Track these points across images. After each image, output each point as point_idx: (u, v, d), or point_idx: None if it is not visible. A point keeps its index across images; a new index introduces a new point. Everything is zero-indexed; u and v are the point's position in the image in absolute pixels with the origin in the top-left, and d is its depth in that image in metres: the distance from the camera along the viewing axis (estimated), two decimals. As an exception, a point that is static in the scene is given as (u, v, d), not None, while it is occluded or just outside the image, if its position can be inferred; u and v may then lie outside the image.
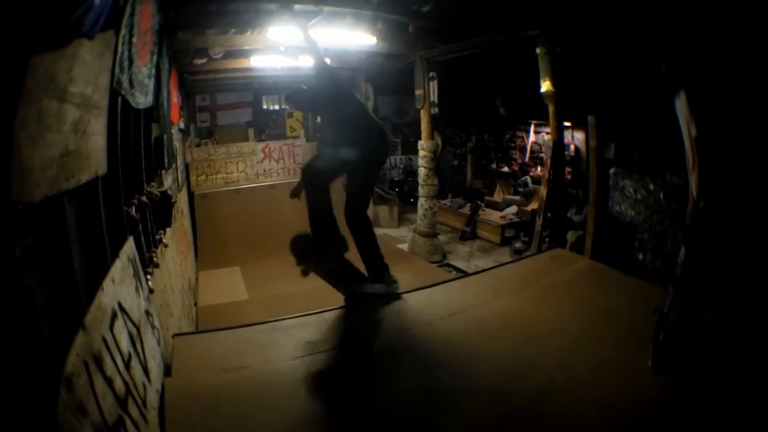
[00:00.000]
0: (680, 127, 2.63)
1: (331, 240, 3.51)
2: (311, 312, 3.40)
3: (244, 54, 7.50)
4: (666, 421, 2.20)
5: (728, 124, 2.39)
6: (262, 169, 9.45)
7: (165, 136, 4.33)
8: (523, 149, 10.65)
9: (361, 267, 3.56)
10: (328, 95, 3.41)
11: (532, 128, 10.37)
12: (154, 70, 3.43)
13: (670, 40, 2.69)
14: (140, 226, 2.92)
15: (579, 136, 8.50)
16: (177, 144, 6.44)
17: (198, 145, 10.02)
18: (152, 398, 2.12)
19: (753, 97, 2.31)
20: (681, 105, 2.53)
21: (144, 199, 3.14)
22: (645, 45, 3.42)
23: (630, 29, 4.00)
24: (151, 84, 3.30)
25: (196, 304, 5.57)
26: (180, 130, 7.23)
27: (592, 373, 2.54)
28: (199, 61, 6.89)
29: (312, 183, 3.42)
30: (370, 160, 3.37)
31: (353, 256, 3.54)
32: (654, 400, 2.29)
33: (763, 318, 2.24)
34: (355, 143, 3.25)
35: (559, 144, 5.56)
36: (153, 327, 2.52)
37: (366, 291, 3.49)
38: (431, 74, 7.75)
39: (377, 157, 3.52)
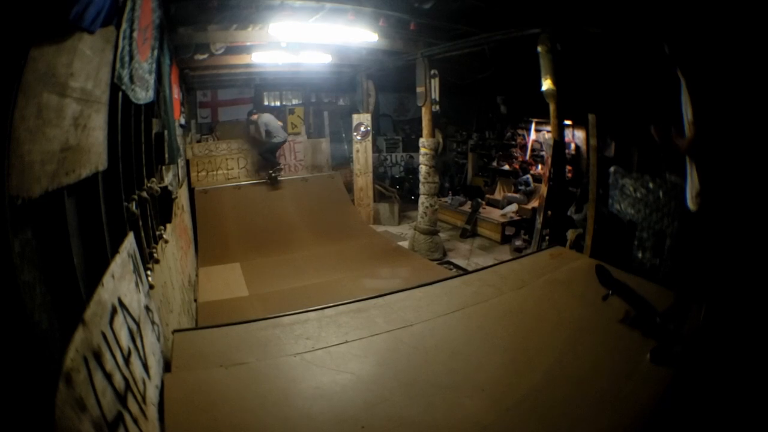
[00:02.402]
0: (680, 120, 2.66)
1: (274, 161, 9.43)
2: (311, 309, 3.41)
3: (246, 50, 7.49)
4: (664, 418, 2.20)
5: (729, 108, 2.42)
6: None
7: (166, 132, 4.33)
8: (523, 147, 10.63)
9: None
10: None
11: (533, 126, 10.35)
12: (154, 66, 3.43)
13: (676, 26, 2.72)
14: (140, 222, 2.92)
15: (579, 135, 8.49)
16: (178, 140, 6.42)
17: (199, 141, 10.02)
18: (152, 394, 2.12)
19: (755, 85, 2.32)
20: (684, 90, 2.54)
21: (144, 194, 3.14)
22: (652, 33, 3.46)
23: (637, 20, 3.99)
24: (151, 79, 3.29)
25: (195, 300, 5.58)
26: (181, 125, 7.22)
27: (590, 369, 2.55)
28: (201, 57, 6.87)
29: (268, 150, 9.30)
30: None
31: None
32: (652, 396, 2.30)
33: (758, 313, 2.26)
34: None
35: (559, 142, 5.55)
36: (153, 323, 2.53)
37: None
38: (433, 72, 7.74)
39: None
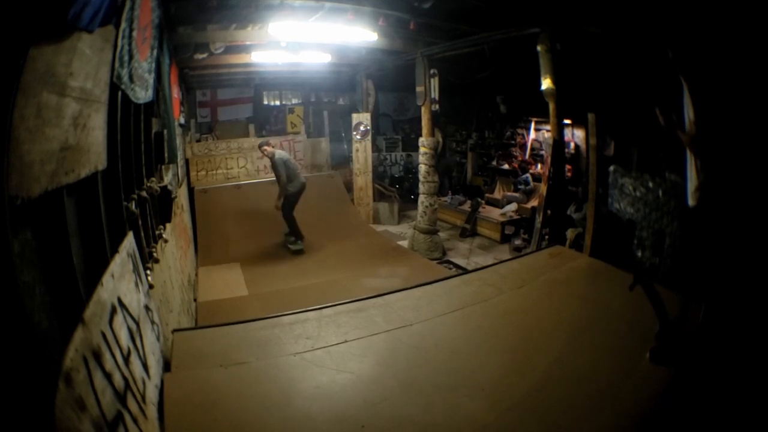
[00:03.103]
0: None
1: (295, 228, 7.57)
2: (310, 308, 3.41)
3: (245, 49, 7.49)
4: (664, 417, 2.20)
5: (729, 109, 2.45)
6: (263, 164, 9.42)
7: (165, 131, 4.33)
8: (523, 147, 10.63)
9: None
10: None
11: (532, 126, 10.35)
12: (154, 65, 3.42)
13: (679, 31, 2.76)
14: (140, 222, 2.92)
15: (579, 134, 8.49)
16: (178, 139, 6.42)
17: (198, 141, 10.01)
18: (151, 393, 2.12)
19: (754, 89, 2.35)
20: (686, 92, 2.58)
21: (144, 194, 3.14)
22: (655, 37, 3.51)
23: (637, 19, 4.02)
24: (151, 79, 3.29)
25: (195, 300, 5.57)
26: (180, 125, 7.21)
27: (590, 368, 2.55)
28: (200, 56, 6.87)
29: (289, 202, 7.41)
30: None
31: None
32: (652, 395, 2.30)
33: (758, 312, 2.27)
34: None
35: (559, 142, 5.55)
36: (152, 322, 2.52)
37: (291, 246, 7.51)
38: (432, 71, 7.74)
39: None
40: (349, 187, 10.17)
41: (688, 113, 2.55)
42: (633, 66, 5.16)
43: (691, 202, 2.61)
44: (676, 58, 2.65)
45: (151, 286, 2.73)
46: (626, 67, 5.38)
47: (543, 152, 9.51)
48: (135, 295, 2.26)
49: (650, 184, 4.13)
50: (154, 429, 1.98)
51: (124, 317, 1.99)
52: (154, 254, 3.25)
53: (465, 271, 5.90)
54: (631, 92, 5.29)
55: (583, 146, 8.31)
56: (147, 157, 3.40)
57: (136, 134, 3.04)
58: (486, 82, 8.80)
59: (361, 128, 10.07)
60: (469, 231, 9.00)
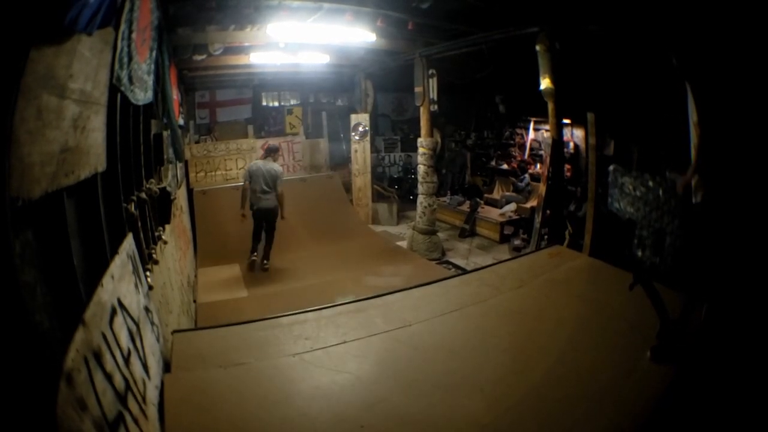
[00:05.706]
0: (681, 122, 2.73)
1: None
2: (309, 309, 3.41)
3: (244, 50, 7.50)
4: (665, 416, 2.21)
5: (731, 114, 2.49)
6: (262, 165, 9.42)
7: (166, 132, 4.33)
8: (522, 146, 10.64)
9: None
10: None
11: (531, 125, 10.37)
12: (153, 67, 3.43)
13: (683, 38, 2.80)
14: (139, 223, 2.92)
15: (578, 134, 8.50)
16: (176, 140, 6.40)
17: (197, 142, 10.00)
18: (152, 394, 2.12)
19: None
20: (690, 97, 2.61)
21: (143, 195, 3.14)
22: (658, 42, 3.55)
23: (637, 18, 4.04)
24: (150, 80, 3.29)
25: (195, 301, 5.58)
26: (179, 126, 7.21)
27: (590, 368, 2.56)
28: (199, 57, 6.87)
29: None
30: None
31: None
32: (653, 394, 2.30)
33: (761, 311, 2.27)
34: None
35: (558, 141, 5.56)
36: (152, 323, 2.53)
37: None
38: (431, 71, 7.74)
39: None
40: (347, 187, 10.16)
41: (692, 116, 2.59)
42: (633, 64, 5.17)
43: (695, 199, 2.65)
44: (681, 66, 2.68)
45: (150, 288, 2.73)
46: (626, 66, 5.39)
47: (542, 152, 9.53)
48: (135, 297, 2.27)
49: (650, 183, 4.12)
50: (155, 429, 1.98)
51: (124, 318, 2.00)
52: (154, 256, 3.25)
53: (464, 271, 5.91)
54: (630, 91, 5.31)
55: (582, 146, 8.32)
56: (146, 159, 3.40)
57: (136, 136, 3.04)
58: (485, 82, 8.79)
59: (360, 129, 10.07)
60: (468, 231, 9.01)
